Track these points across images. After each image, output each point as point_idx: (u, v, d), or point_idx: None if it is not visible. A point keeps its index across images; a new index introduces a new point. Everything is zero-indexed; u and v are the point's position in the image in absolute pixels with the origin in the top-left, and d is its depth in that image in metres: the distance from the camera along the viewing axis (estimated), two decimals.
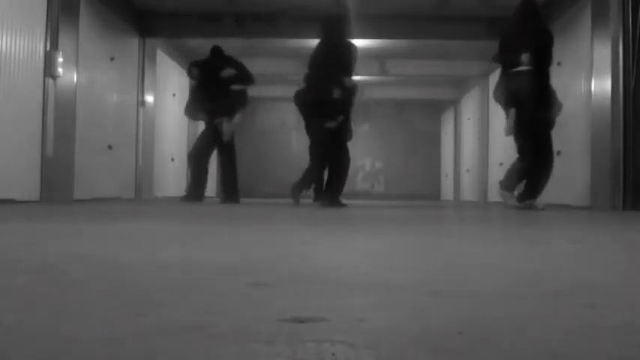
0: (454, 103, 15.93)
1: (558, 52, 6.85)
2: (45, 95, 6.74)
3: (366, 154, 17.42)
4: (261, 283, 1.24)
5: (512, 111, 6.36)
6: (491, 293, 1.19)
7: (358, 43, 7.97)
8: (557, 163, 6.98)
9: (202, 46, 12.07)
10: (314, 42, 11.09)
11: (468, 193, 14.38)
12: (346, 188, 7.34)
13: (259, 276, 1.36)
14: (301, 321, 0.89)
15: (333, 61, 6.90)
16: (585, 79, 7.35)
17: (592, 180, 6.96)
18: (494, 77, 7.60)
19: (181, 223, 3.65)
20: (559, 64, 7.44)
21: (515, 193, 6.44)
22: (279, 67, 13.45)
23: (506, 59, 6.39)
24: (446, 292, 1.19)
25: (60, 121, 6.96)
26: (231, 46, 11.94)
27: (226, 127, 8.01)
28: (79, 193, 7.49)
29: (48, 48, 6.76)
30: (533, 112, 6.23)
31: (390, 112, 17.52)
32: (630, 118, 6.45)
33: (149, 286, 1.24)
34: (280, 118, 17.43)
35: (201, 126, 8.97)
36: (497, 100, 6.75)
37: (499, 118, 8.79)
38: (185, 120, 12.59)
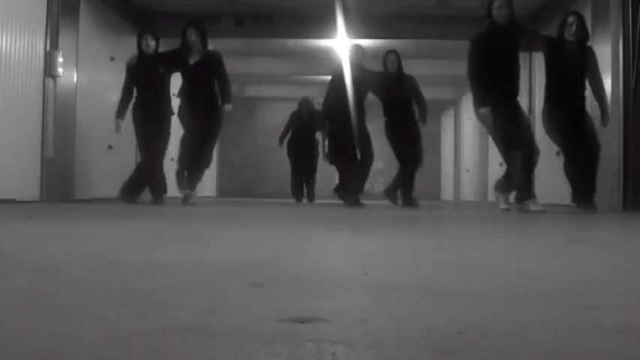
0: (454, 103, 15.92)
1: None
2: (45, 95, 6.73)
3: None
4: (261, 283, 1.24)
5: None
6: (491, 293, 1.19)
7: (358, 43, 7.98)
8: (557, 164, 6.97)
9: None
10: (313, 42, 11.16)
11: (468, 193, 14.38)
12: None
13: (259, 276, 1.36)
14: (301, 321, 0.88)
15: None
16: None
17: None
18: None
19: (181, 224, 3.65)
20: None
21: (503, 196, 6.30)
22: (278, 67, 13.45)
23: None
24: (446, 292, 1.19)
25: (60, 121, 6.95)
26: (231, 45, 11.99)
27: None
28: (79, 193, 7.49)
29: (48, 48, 6.76)
30: None
31: None
32: (630, 118, 6.44)
33: (149, 286, 1.24)
34: (281, 118, 17.41)
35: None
36: None
37: None
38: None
